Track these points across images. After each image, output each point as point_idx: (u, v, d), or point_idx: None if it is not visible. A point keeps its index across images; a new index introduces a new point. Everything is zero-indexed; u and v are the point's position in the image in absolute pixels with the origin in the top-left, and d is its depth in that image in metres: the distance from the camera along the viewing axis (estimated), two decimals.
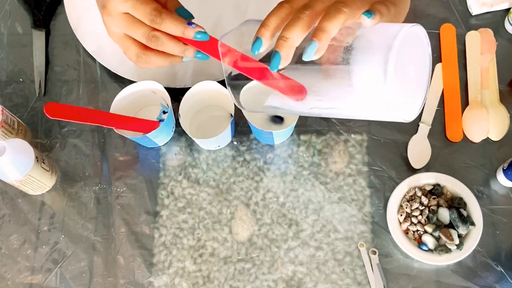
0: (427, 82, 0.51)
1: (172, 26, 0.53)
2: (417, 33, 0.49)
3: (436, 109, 0.81)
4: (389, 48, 0.45)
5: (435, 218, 0.73)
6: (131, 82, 0.79)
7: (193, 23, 0.54)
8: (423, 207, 0.74)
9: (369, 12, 0.48)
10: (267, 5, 0.85)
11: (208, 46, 0.55)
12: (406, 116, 0.49)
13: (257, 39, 0.49)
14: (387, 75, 0.45)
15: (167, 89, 0.77)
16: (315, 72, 0.50)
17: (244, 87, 0.57)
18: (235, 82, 0.55)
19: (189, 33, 0.53)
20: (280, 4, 0.50)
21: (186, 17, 0.54)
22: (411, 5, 0.63)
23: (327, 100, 0.52)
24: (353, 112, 0.52)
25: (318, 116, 0.55)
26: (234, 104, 0.76)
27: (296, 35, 0.48)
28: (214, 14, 0.86)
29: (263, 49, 0.49)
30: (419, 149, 0.79)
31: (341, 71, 0.49)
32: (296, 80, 0.52)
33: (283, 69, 0.51)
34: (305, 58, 0.47)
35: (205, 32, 0.54)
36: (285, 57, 0.48)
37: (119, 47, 0.58)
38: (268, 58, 0.50)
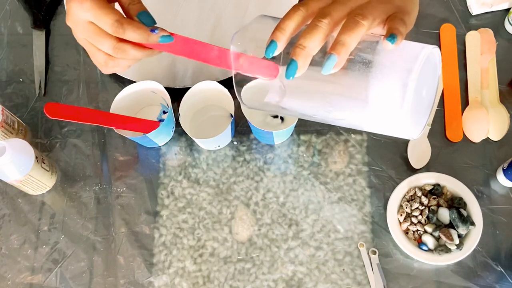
0: (433, 101, 0.50)
1: (136, 35, 0.53)
2: (434, 55, 0.49)
3: (436, 109, 0.81)
4: (409, 71, 0.46)
5: (435, 218, 0.73)
6: (131, 82, 0.79)
7: (156, 28, 0.53)
8: (423, 207, 0.74)
9: (392, 37, 0.47)
10: (267, 5, 0.86)
11: (178, 47, 0.55)
12: (414, 134, 0.50)
13: (272, 42, 0.48)
14: (405, 99, 0.46)
15: (167, 89, 0.77)
16: (329, 83, 0.49)
17: (246, 85, 0.56)
18: (240, 78, 0.54)
19: (153, 39, 0.54)
20: (295, 7, 0.49)
21: (148, 23, 0.54)
22: None
23: (338, 111, 0.52)
24: (361, 125, 0.53)
25: (319, 122, 0.55)
26: (234, 104, 0.76)
27: (314, 44, 0.47)
28: (214, 14, 0.87)
29: (278, 53, 0.48)
30: (419, 149, 0.79)
31: (357, 86, 0.48)
32: (308, 87, 0.51)
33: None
34: (324, 72, 0.47)
35: (168, 35, 0.54)
36: (302, 65, 0.47)
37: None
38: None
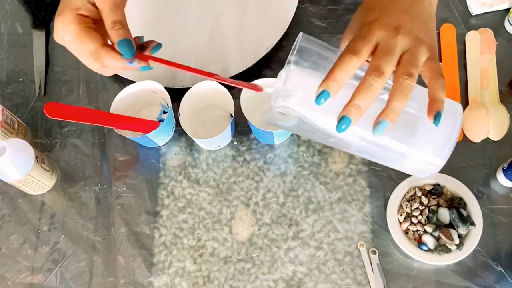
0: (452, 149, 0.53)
1: (114, 64, 0.56)
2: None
3: None
4: (453, 128, 0.51)
5: (435, 218, 0.73)
6: (131, 82, 0.79)
7: (133, 60, 0.55)
8: (423, 207, 0.74)
9: (437, 119, 0.49)
10: (267, 5, 0.86)
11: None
12: (432, 175, 0.54)
13: (324, 92, 0.48)
14: (446, 150, 0.52)
15: (167, 89, 0.77)
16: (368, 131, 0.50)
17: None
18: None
19: (132, 68, 0.57)
20: (347, 56, 0.49)
21: (126, 55, 0.55)
22: None
23: (369, 155, 0.55)
24: (387, 163, 0.56)
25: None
26: (234, 104, 0.76)
27: (369, 103, 0.48)
28: (214, 14, 0.87)
29: (329, 102, 0.49)
30: None
31: (402, 133, 0.51)
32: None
33: None
34: (375, 135, 0.48)
35: (147, 66, 0.57)
36: (355, 122, 0.48)
37: None
38: None
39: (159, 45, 0.58)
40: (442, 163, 0.52)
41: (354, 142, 0.53)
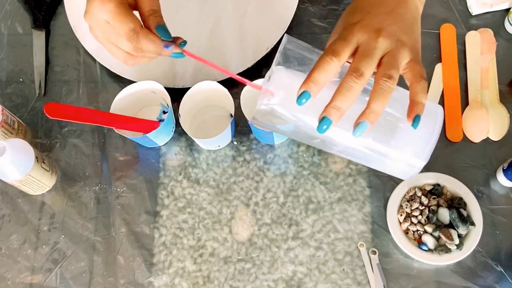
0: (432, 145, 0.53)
1: (149, 47, 0.56)
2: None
3: None
4: (433, 129, 0.52)
5: (435, 218, 0.73)
6: (131, 82, 0.79)
7: (171, 45, 0.56)
8: (423, 207, 0.74)
9: (416, 122, 0.50)
10: (266, 5, 0.86)
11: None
12: (412, 176, 0.55)
13: (304, 92, 0.49)
14: (426, 151, 0.52)
15: (167, 89, 0.77)
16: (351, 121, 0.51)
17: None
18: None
19: (165, 53, 0.57)
20: (327, 58, 0.49)
21: (164, 38, 0.56)
22: None
23: (351, 156, 0.56)
24: (368, 164, 0.57)
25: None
26: (234, 104, 0.76)
27: (349, 105, 0.49)
28: (214, 14, 0.87)
29: (310, 103, 0.49)
30: None
31: (383, 134, 0.52)
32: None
33: None
34: (355, 136, 0.49)
35: (180, 53, 0.57)
36: (335, 123, 0.49)
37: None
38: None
39: (185, 42, 0.58)
40: (422, 164, 0.53)
41: (337, 143, 0.53)
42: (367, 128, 0.49)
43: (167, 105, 0.77)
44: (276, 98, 0.52)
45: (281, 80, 0.53)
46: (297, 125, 0.53)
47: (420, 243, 0.73)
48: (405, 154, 0.53)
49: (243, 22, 0.86)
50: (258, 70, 0.83)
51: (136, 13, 0.57)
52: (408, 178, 0.55)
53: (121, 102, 0.77)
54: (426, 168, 0.77)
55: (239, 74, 0.83)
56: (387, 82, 0.48)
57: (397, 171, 0.55)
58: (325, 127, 0.49)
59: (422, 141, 0.52)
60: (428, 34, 0.85)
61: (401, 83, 0.51)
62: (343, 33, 0.52)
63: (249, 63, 0.81)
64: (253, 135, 0.81)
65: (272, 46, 0.82)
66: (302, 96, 0.49)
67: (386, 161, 0.54)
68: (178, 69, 0.83)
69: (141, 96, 0.79)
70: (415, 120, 0.50)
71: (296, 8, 0.84)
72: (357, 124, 0.49)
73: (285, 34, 0.54)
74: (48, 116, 0.64)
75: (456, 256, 0.72)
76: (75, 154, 0.81)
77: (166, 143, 0.81)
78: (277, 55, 0.52)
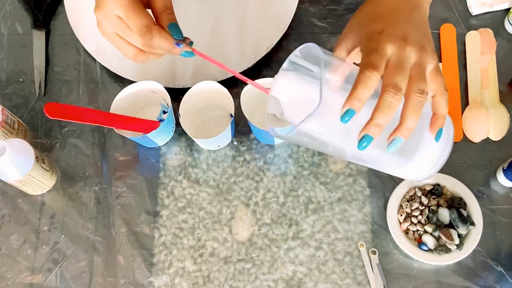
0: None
1: (161, 44, 0.56)
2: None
3: None
4: (447, 140, 0.54)
5: (435, 218, 0.73)
6: (131, 82, 0.79)
7: (182, 43, 0.57)
8: (423, 207, 0.74)
9: (438, 136, 0.52)
10: (266, 5, 0.86)
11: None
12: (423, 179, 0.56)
13: (349, 111, 0.48)
14: (441, 160, 0.54)
15: (167, 89, 0.77)
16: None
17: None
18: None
19: (176, 51, 0.58)
20: (368, 72, 0.49)
21: (176, 36, 0.57)
22: None
23: (361, 161, 0.56)
24: (381, 170, 0.57)
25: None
26: (234, 104, 0.76)
27: (388, 121, 0.49)
28: (214, 14, 0.86)
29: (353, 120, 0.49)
30: None
31: (407, 144, 0.51)
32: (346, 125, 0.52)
33: None
34: (389, 151, 0.49)
35: (190, 51, 0.58)
36: (375, 138, 0.49)
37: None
38: None
39: (192, 42, 0.59)
40: (435, 172, 0.54)
41: (350, 150, 0.53)
42: (401, 143, 0.49)
43: (167, 105, 0.77)
44: (281, 105, 0.52)
45: (286, 86, 0.52)
46: (306, 133, 0.52)
47: (420, 243, 0.73)
48: (422, 163, 0.53)
49: (243, 22, 0.86)
50: (258, 70, 0.83)
51: (149, 11, 0.57)
52: (415, 180, 0.56)
53: (121, 102, 0.77)
54: None
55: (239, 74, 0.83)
56: (420, 98, 0.49)
57: (407, 176, 0.56)
58: (365, 144, 0.49)
59: (439, 151, 0.54)
60: None
61: None
62: (371, 44, 0.51)
63: (249, 63, 0.81)
64: (253, 135, 0.81)
65: (272, 46, 0.82)
66: (347, 114, 0.48)
67: (401, 169, 0.54)
68: (178, 69, 0.83)
69: (141, 96, 0.79)
70: (438, 133, 0.51)
71: (296, 8, 0.84)
72: (391, 140, 0.49)
73: (306, 44, 0.53)
74: (48, 116, 0.64)
75: (456, 256, 0.72)
76: (75, 154, 0.81)
77: (166, 143, 0.81)
78: (287, 60, 0.53)
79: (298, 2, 0.84)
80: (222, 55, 0.84)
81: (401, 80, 0.49)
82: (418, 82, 0.50)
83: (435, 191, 0.75)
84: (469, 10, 0.87)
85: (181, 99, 0.76)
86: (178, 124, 0.79)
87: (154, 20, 0.57)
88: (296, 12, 0.84)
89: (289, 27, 0.83)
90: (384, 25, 0.53)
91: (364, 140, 0.49)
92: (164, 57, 0.60)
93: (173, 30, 0.57)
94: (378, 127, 0.48)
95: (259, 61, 0.82)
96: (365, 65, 0.49)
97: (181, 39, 0.57)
